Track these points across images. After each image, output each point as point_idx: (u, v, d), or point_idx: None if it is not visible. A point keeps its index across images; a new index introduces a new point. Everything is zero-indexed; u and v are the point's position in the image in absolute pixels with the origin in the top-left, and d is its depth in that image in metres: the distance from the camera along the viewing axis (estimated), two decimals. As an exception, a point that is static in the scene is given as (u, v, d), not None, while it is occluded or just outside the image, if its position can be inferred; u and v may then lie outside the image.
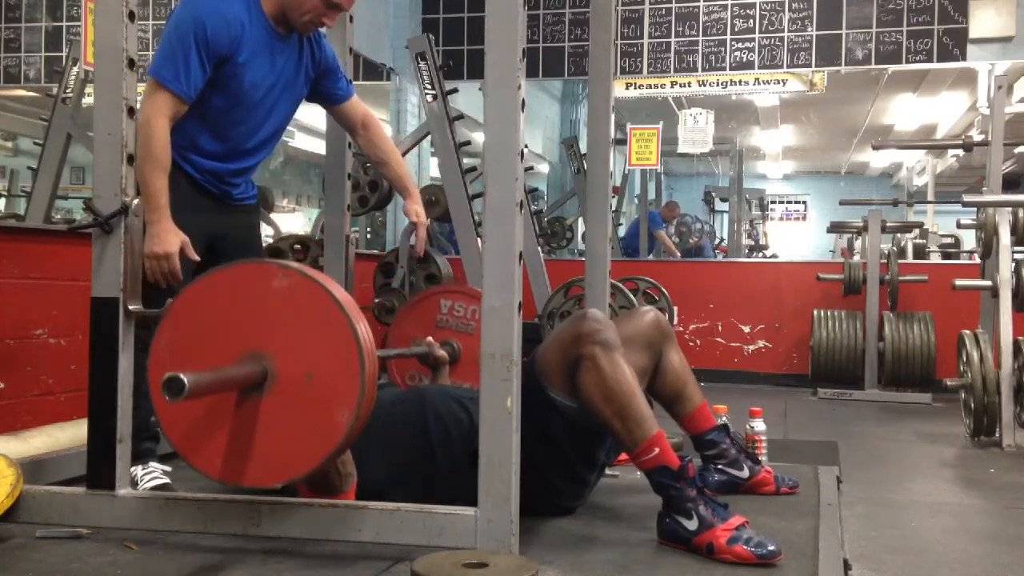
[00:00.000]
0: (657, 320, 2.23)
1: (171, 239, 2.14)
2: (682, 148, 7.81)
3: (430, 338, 2.71)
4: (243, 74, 2.28)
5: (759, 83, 7.36)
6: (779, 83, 7.47)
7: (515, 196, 1.66)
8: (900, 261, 6.54)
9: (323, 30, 2.50)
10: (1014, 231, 4.68)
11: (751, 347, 6.80)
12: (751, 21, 6.93)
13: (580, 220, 8.51)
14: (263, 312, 1.66)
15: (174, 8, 2.32)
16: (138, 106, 1.95)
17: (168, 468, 2.34)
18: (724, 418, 2.42)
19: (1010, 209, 4.72)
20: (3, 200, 8.85)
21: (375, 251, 6.99)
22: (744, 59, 6.97)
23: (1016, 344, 4.39)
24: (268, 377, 1.63)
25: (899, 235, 8.50)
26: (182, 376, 1.45)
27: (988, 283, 4.71)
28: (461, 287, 3.30)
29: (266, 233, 4.95)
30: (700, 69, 7.07)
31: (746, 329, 6.80)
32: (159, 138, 2.16)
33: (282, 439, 1.63)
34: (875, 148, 7.32)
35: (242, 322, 1.67)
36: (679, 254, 9.52)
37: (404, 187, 2.77)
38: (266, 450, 1.64)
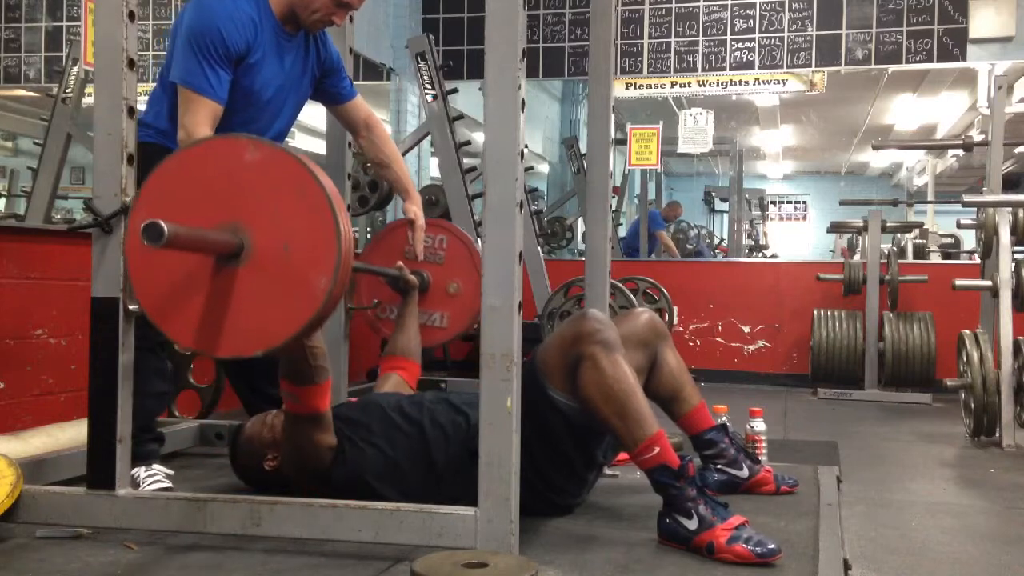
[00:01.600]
0: (651, 321, 2.24)
1: None
2: (682, 148, 7.81)
3: (400, 263, 2.73)
4: (254, 74, 2.29)
5: (759, 83, 7.36)
6: (779, 83, 7.47)
7: (515, 196, 1.66)
8: (900, 261, 6.54)
9: (327, 29, 2.51)
10: (1014, 231, 4.68)
11: (751, 347, 6.79)
12: (751, 21, 6.94)
13: (580, 220, 8.51)
14: (237, 185, 1.66)
15: (178, 9, 2.32)
16: (139, 106, 1.95)
17: (171, 471, 2.34)
18: (724, 418, 2.42)
19: (1010, 209, 4.72)
20: (3, 200, 8.85)
21: (375, 251, 6.99)
22: (744, 59, 6.97)
23: (1016, 344, 4.39)
24: (245, 247, 1.64)
25: (899, 235, 8.50)
26: (162, 222, 1.46)
27: (988, 283, 4.71)
28: (429, 219, 3.29)
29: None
30: (700, 69, 7.07)
31: (746, 329, 6.80)
32: None
33: (259, 308, 1.63)
34: (875, 148, 7.32)
35: (216, 195, 1.67)
36: (679, 255, 9.52)
37: (404, 189, 2.77)
38: (243, 319, 1.64)
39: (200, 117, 2.18)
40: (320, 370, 1.91)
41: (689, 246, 10.52)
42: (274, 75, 2.35)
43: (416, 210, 2.74)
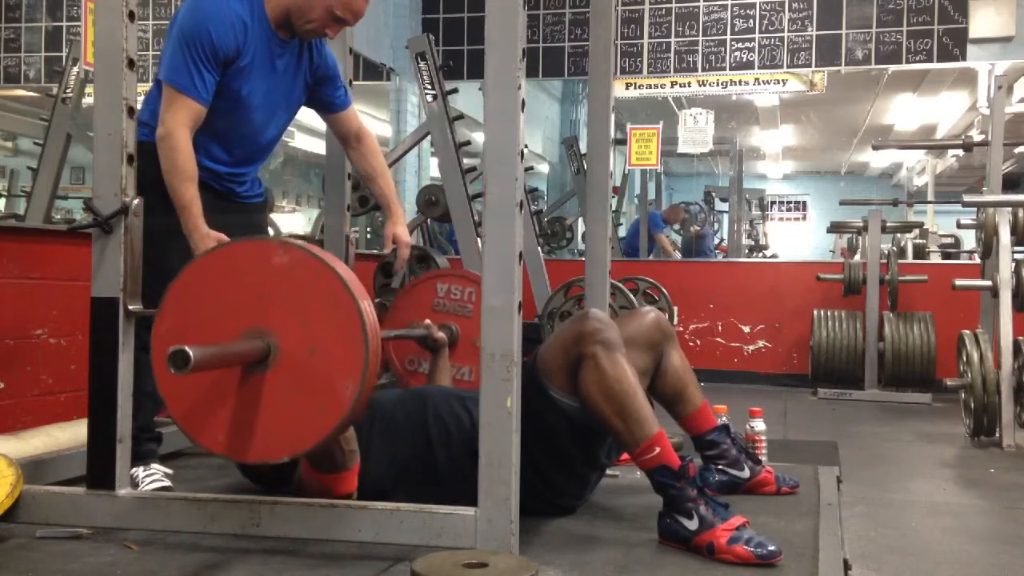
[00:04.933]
0: (658, 320, 2.22)
1: (212, 244, 2.14)
2: (682, 148, 7.81)
3: (428, 320, 2.72)
4: (244, 77, 2.27)
5: (759, 83, 7.36)
6: (779, 83, 7.47)
7: (515, 196, 1.66)
8: (900, 261, 6.54)
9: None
10: (1014, 231, 4.68)
11: (751, 347, 6.79)
12: (751, 21, 6.94)
13: (580, 220, 8.51)
14: (265, 289, 1.66)
15: (175, 9, 2.31)
16: (138, 106, 1.95)
17: (169, 471, 2.34)
18: (724, 418, 2.42)
19: (1010, 209, 4.72)
20: (3, 200, 8.85)
21: (375, 251, 7.00)
22: (744, 59, 6.97)
23: (1016, 344, 4.39)
24: (271, 353, 1.64)
25: (899, 235, 8.50)
26: (187, 349, 1.46)
27: (988, 283, 4.71)
28: (457, 271, 3.29)
29: (266, 233, 4.94)
30: (700, 69, 7.08)
31: (746, 329, 6.80)
32: (182, 149, 2.15)
33: (286, 414, 1.63)
34: (875, 148, 7.33)
35: (244, 300, 1.67)
36: (678, 256, 9.52)
37: (388, 205, 2.71)
38: (271, 425, 1.64)
39: (181, 116, 2.16)
40: (352, 455, 1.90)
41: (694, 228, 10.45)
42: (264, 80, 2.33)
43: (397, 232, 2.69)
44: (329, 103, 2.58)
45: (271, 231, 5.40)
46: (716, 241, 11.66)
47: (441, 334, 2.71)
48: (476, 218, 4.78)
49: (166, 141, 2.15)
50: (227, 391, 1.66)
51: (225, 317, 1.67)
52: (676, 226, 9.94)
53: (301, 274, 1.64)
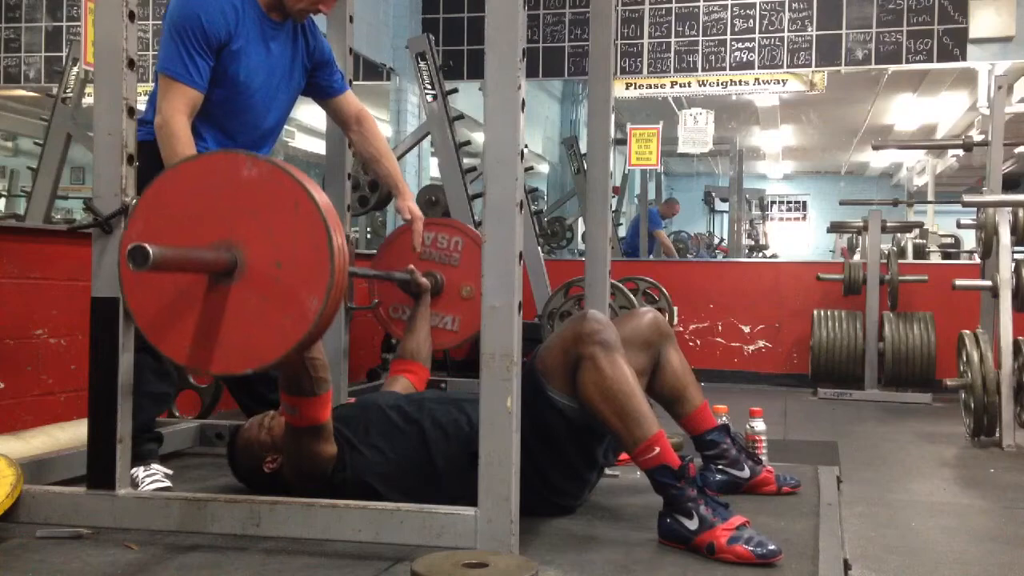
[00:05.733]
0: (656, 321, 2.23)
1: None
2: (682, 148, 7.81)
3: (412, 266, 2.71)
4: (238, 61, 2.28)
5: (759, 83, 7.36)
6: (779, 83, 7.47)
7: (515, 196, 1.66)
8: (900, 261, 6.54)
9: (323, 27, 2.50)
10: (1014, 231, 4.68)
11: (751, 347, 6.80)
12: (751, 21, 6.94)
13: (580, 220, 8.52)
14: (233, 201, 1.65)
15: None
16: (138, 105, 1.95)
17: (170, 471, 2.34)
18: (724, 418, 2.42)
19: (1010, 209, 4.72)
20: (3, 200, 8.85)
21: (375, 251, 6.99)
22: (744, 59, 6.97)
23: (1016, 344, 4.39)
24: (238, 265, 1.63)
25: (899, 235, 8.50)
26: (147, 245, 1.46)
27: (988, 283, 4.71)
28: (444, 220, 3.26)
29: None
30: (700, 69, 7.07)
31: (746, 329, 6.80)
32: (181, 136, 2.16)
33: (251, 326, 1.63)
34: (875, 148, 7.32)
35: (211, 211, 1.66)
36: (677, 254, 9.53)
37: (395, 184, 2.73)
38: (235, 337, 1.63)
39: (177, 103, 2.17)
40: (320, 382, 1.89)
41: (690, 255, 10.57)
42: (260, 63, 2.33)
43: (410, 205, 2.70)
44: (327, 87, 2.59)
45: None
46: (716, 241, 11.68)
47: (424, 279, 2.72)
48: (476, 218, 4.78)
49: (164, 129, 2.16)
50: (193, 301, 1.65)
51: (193, 227, 1.66)
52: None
53: (270, 188, 1.64)
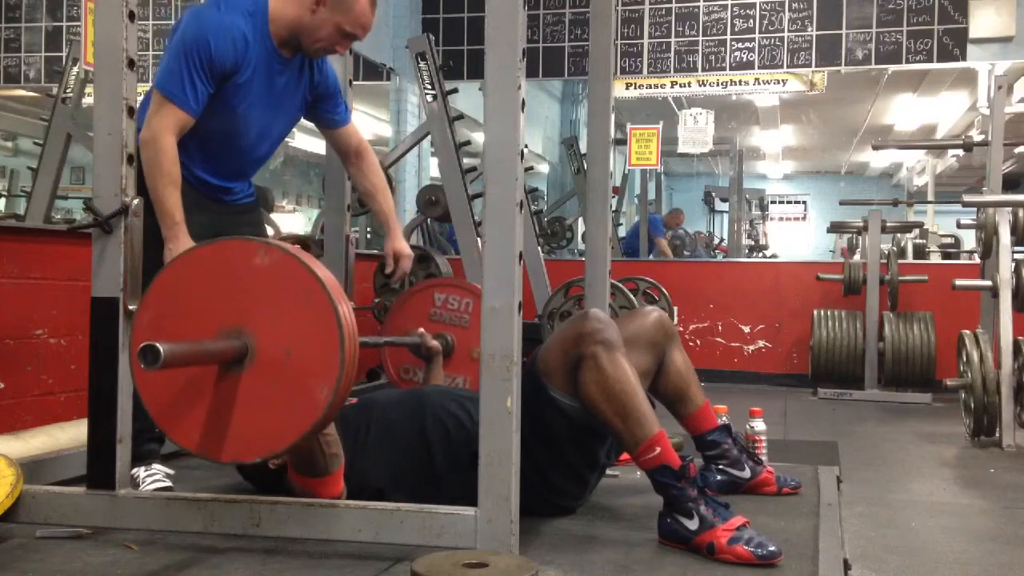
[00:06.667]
0: (661, 320, 2.22)
1: None
2: (682, 148, 7.81)
3: (422, 329, 2.71)
4: (242, 94, 2.25)
5: (759, 83, 7.36)
6: (779, 83, 7.47)
7: (515, 196, 1.66)
8: (900, 261, 6.54)
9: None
10: (1014, 231, 4.68)
11: (751, 347, 6.80)
12: (751, 21, 6.93)
13: (580, 220, 8.51)
14: (244, 289, 1.66)
15: (178, 9, 2.30)
16: (136, 104, 1.95)
17: (171, 471, 2.34)
18: (724, 418, 2.42)
19: (1010, 209, 4.72)
20: (3, 200, 8.85)
21: (375, 251, 6.99)
22: (744, 59, 6.97)
23: (1016, 344, 4.39)
24: (248, 353, 1.64)
25: (899, 235, 8.50)
26: (158, 345, 1.46)
27: (988, 283, 4.71)
28: (455, 280, 3.28)
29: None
30: (700, 69, 7.07)
31: (746, 329, 6.80)
32: (167, 153, 2.13)
33: (261, 415, 1.63)
34: (875, 148, 7.32)
35: (223, 299, 1.67)
36: (674, 253, 9.53)
37: (387, 222, 2.70)
38: (245, 425, 1.64)
39: (168, 122, 2.14)
40: (334, 459, 1.89)
41: (687, 252, 10.55)
42: (261, 96, 2.30)
43: (398, 246, 2.68)
44: (329, 119, 2.56)
45: (270, 230, 5.41)
46: (716, 241, 11.68)
47: (435, 342, 2.71)
48: (476, 218, 4.78)
49: (151, 144, 2.12)
50: (203, 389, 1.66)
51: (204, 314, 1.67)
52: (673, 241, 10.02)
53: (280, 275, 1.64)
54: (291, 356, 1.62)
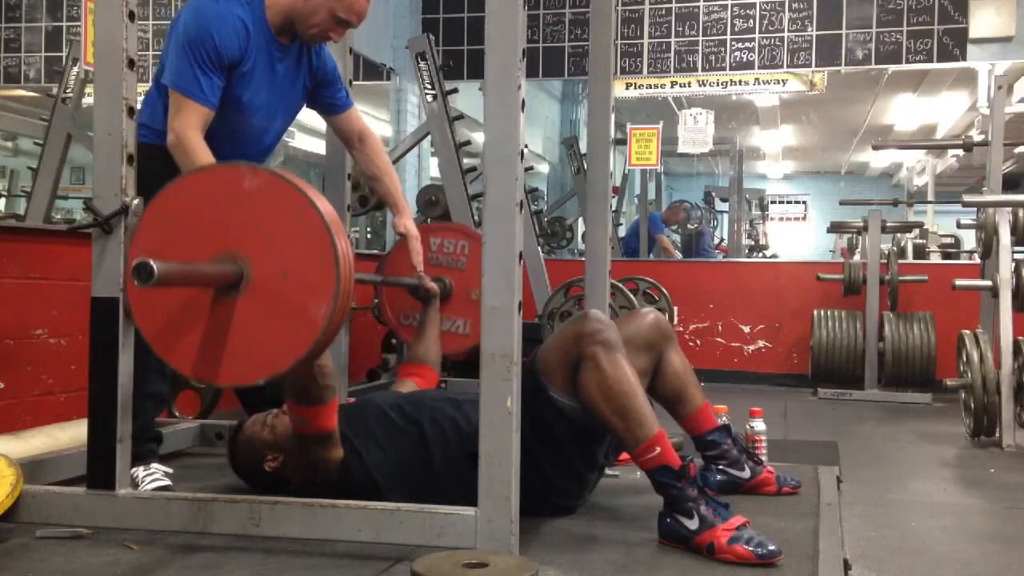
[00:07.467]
0: (657, 321, 2.23)
1: None
2: (682, 148, 7.80)
3: (420, 271, 2.72)
4: (246, 83, 2.27)
5: (759, 83, 7.35)
6: (779, 83, 7.47)
7: (515, 196, 1.66)
8: (900, 261, 6.54)
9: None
10: (1014, 231, 4.68)
11: (751, 347, 6.79)
12: (751, 21, 6.93)
13: (580, 220, 8.51)
14: (236, 213, 1.66)
15: (176, 9, 2.31)
16: (137, 104, 1.95)
17: (170, 470, 2.34)
18: (724, 418, 2.42)
19: (1010, 209, 4.72)
20: (3, 200, 8.85)
21: (375, 251, 6.99)
22: (744, 59, 6.97)
23: (1016, 344, 4.39)
24: (244, 277, 1.64)
25: (899, 235, 8.50)
26: (151, 261, 1.46)
27: (988, 283, 4.70)
28: (449, 224, 3.26)
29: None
30: (700, 69, 7.07)
31: (746, 329, 6.80)
32: (199, 150, 2.15)
33: (259, 337, 1.64)
34: (875, 148, 7.32)
35: (215, 224, 1.67)
36: (679, 256, 9.51)
37: (395, 203, 2.73)
38: (243, 348, 1.64)
39: (191, 121, 2.16)
40: (328, 389, 1.90)
41: (692, 225, 10.41)
42: (264, 85, 2.33)
43: (407, 223, 2.71)
44: (330, 105, 2.59)
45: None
46: (716, 240, 11.64)
47: (432, 284, 2.74)
48: (476, 218, 4.78)
49: (180, 146, 2.15)
50: (199, 314, 1.66)
51: (199, 240, 1.67)
52: (674, 226, 9.93)
53: (271, 198, 1.64)
54: (288, 278, 1.62)
